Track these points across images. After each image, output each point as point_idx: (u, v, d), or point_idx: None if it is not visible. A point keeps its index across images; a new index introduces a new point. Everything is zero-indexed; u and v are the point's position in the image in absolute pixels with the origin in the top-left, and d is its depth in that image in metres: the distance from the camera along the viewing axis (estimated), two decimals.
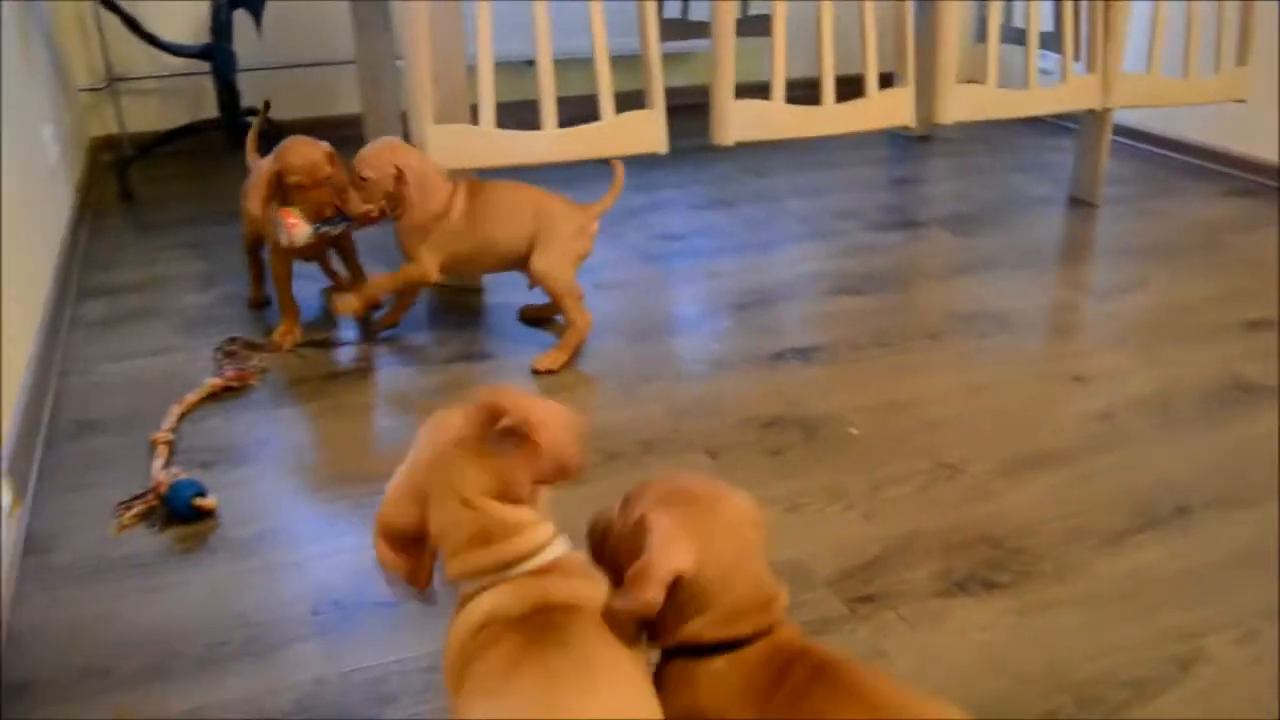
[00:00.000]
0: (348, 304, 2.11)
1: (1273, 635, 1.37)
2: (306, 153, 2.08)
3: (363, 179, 2.02)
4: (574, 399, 1.96)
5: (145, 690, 1.28)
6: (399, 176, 2.02)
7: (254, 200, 2.08)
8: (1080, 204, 3.15)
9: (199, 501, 1.61)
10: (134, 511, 1.61)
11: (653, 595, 0.92)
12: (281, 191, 2.07)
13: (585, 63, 2.29)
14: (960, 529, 1.59)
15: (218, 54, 3.12)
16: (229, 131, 3.22)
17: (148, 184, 3.25)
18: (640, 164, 3.41)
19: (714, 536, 0.96)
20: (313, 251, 2.21)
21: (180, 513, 1.60)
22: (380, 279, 2.14)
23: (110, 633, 1.37)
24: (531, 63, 2.35)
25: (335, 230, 2.10)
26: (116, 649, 1.35)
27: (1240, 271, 2.62)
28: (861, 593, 1.44)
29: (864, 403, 1.96)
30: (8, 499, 1.53)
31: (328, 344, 2.20)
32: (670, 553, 0.94)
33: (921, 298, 2.48)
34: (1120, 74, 2.85)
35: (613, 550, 1.01)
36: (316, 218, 2.07)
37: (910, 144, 3.83)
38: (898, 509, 1.64)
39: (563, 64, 2.29)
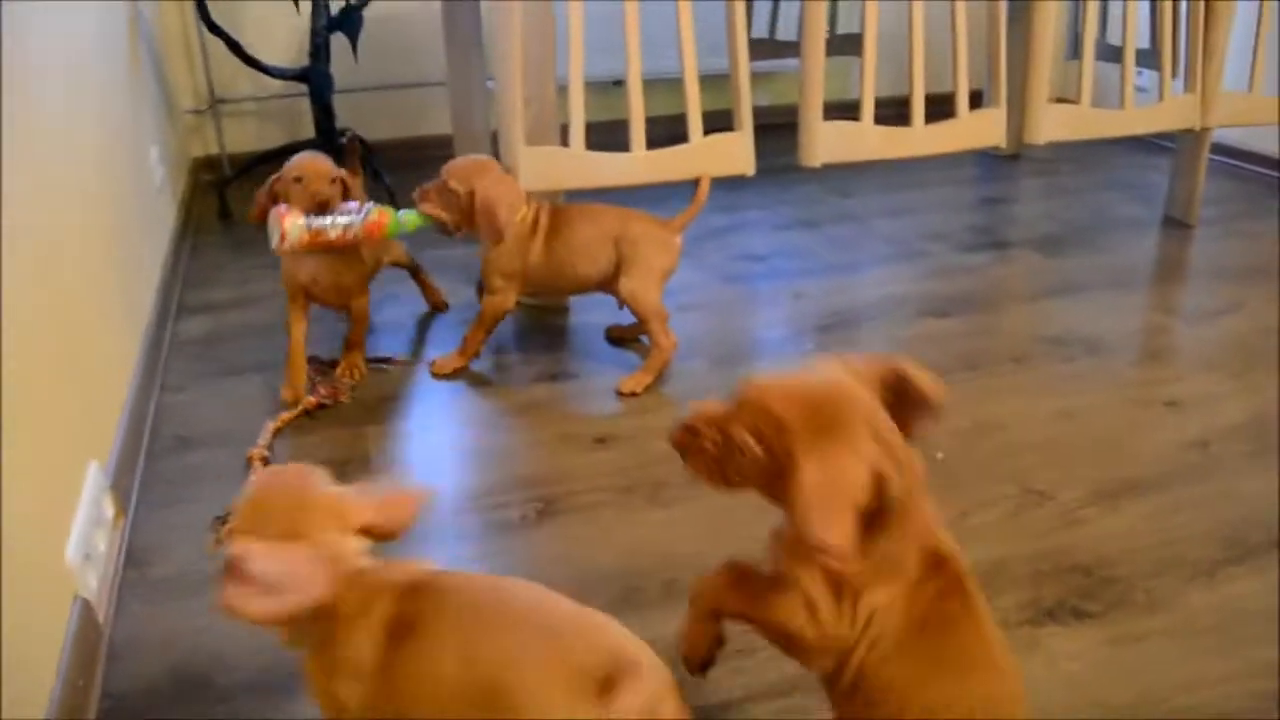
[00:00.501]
0: (446, 364, 2.16)
1: None
2: (312, 159, 2.11)
3: (448, 188, 2.07)
4: (657, 421, 1.97)
5: (243, 703, 1.32)
6: (471, 195, 2.05)
7: (254, 209, 2.12)
8: (1175, 224, 3.08)
9: None
10: (230, 526, 1.66)
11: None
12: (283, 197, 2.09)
13: (673, 82, 2.31)
14: (1049, 557, 1.57)
15: (315, 76, 3.21)
16: (324, 151, 3.30)
17: (246, 203, 3.34)
18: (725, 184, 3.41)
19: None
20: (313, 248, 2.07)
21: None
22: (473, 333, 2.17)
23: (209, 645, 1.42)
24: (620, 83, 2.38)
25: (333, 229, 2.02)
26: (215, 662, 1.39)
27: None
28: None
29: (951, 427, 1.94)
30: (111, 512, 1.60)
31: (418, 360, 2.25)
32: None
33: (1009, 320, 2.44)
34: (1220, 92, 2.78)
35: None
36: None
37: (1000, 163, 3.79)
38: (985, 536, 1.62)
39: (650, 83, 2.31)
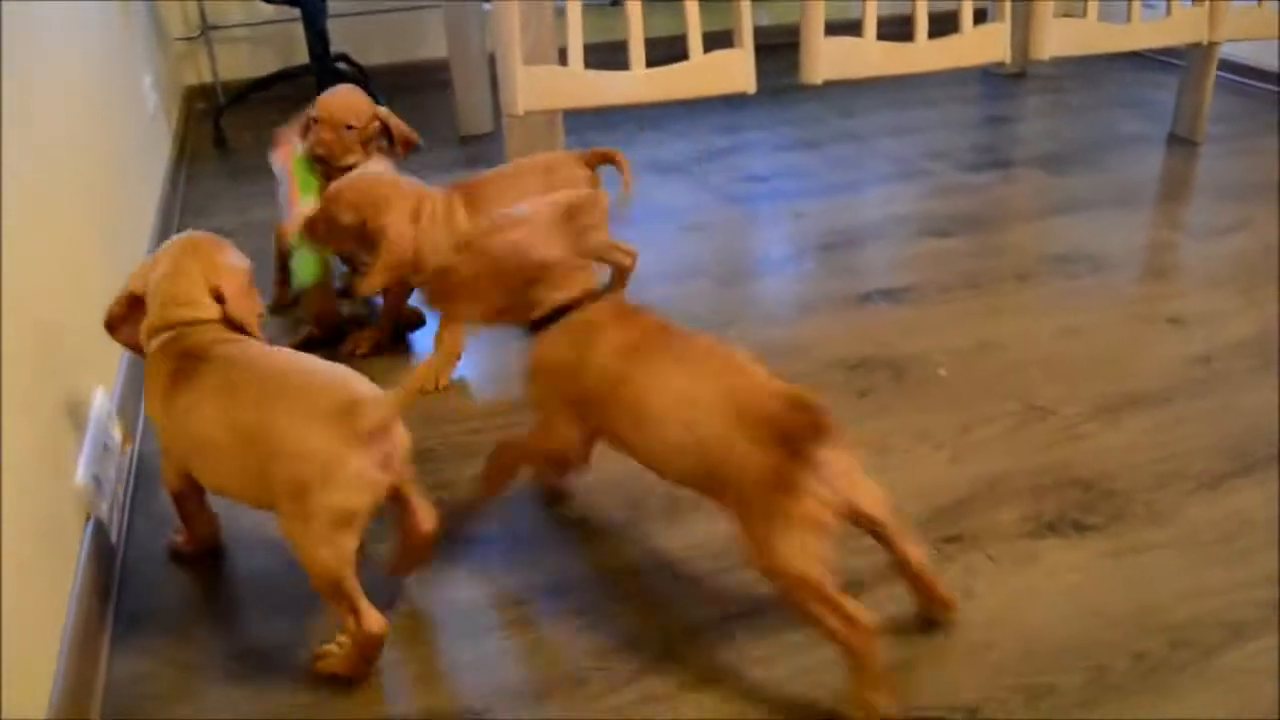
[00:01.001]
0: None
1: None
2: (340, 96, 1.94)
3: (337, 222, 1.79)
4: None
5: (251, 619, 1.34)
6: (365, 226, 1.78)
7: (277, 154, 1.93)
8: (1181, 142, 3.05)
9: None
10: None
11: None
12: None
13: (673, 3, 2.27)
14: (1050, 471, 1.57)
15: (308, 1, 3.15)
16: (320, 77, 3.26)
17: (241, 131, 3.32)
18: (726, 104, 3.39)
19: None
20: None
21: None
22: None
23: (219, 564, 1.44)
24: (619, 2, 2.34)
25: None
26: (226, 577, 1.41)
27: None
28: (949, 533, 1.44)
29: (953, 344, 1.94)
30: (119, 437, 1.60)
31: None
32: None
33: (1013, 239, 2.43)
34: (1228, 6, 2.73)
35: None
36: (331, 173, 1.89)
37: (1004, 81, 3.74)
38: (986, 450, 1.63)
39: (650, 4, 2.27)
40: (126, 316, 1.39)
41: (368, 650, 1.20)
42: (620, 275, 2.10)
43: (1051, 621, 1.29)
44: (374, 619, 1.19)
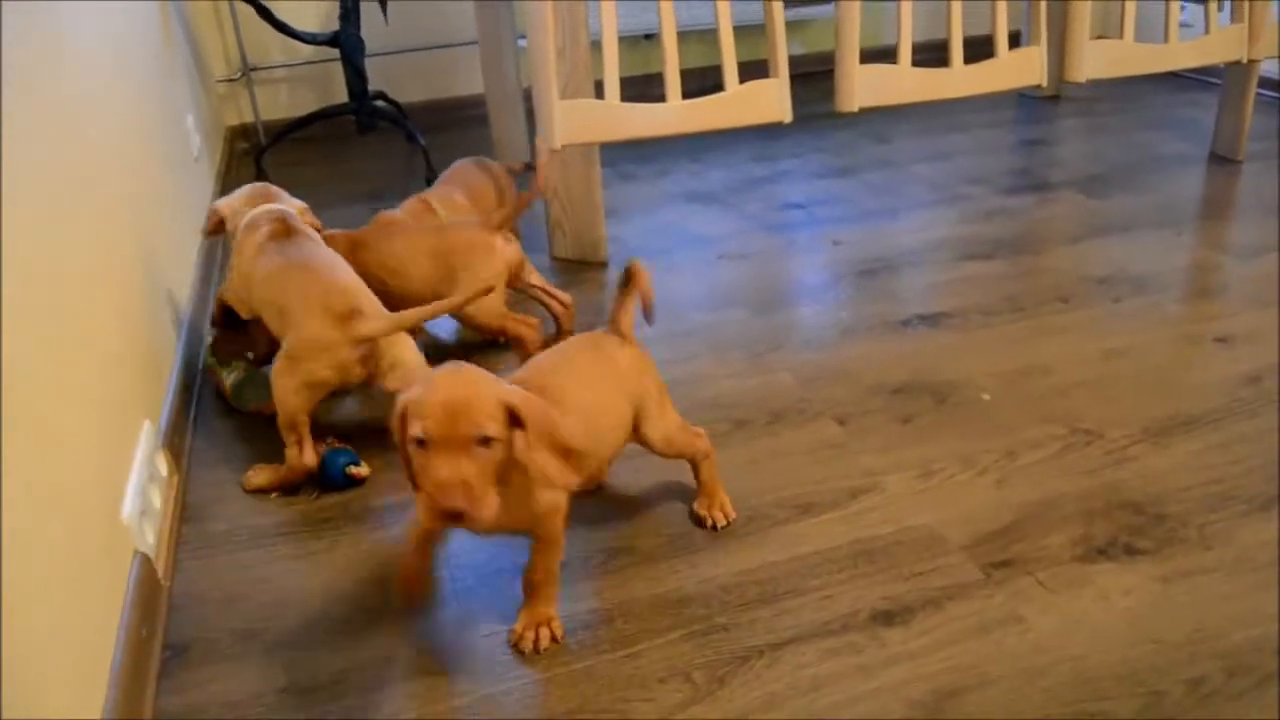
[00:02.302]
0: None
1: None
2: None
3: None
4: (700, 369, 1.97)
5: (297, 650, 1.34)
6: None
7: None
8: (1222, 161, 3.02)
9: (353, 470, 1.66)
10: (288, 481, 1.68)
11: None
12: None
13: (707, 33, 2.28)
14: (1099, 495, 1.55)
15: (346, 40, 3.21)
16: (358, 115, 3.31)
17: (281, 169, 3.37)
18: (762, 134, 3.40)
19: None
20: None
21: (335, 481, 1.66)
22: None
23: (263, 596, 1.44)
24: (651, 36, 2.36)
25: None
26: (270, 611, 1.41)
27: None
28: (998, 559, 1.42)
29: (996, 368, 1.93)
30: (165, 470, 1.62)
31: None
32: None
33: (1054, 261, 2.41)
34: (1268, 23, 2.71)
35: None
36: None
37: (1040, 105, 3.72)
38: (1033, 475, 1.61)
39: (685, 35, 2.28)
40: (215, 231, 1.92)
41: (293, 476, 1.65)
42: (557, 321, 2.11)
43: (1104, 647, 1.26)
44: (310, 456, 1.65)
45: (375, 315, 1.63)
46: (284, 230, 1.76)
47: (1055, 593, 1.35)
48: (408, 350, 1.69)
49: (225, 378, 1.95)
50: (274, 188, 1.95)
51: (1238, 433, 1.70)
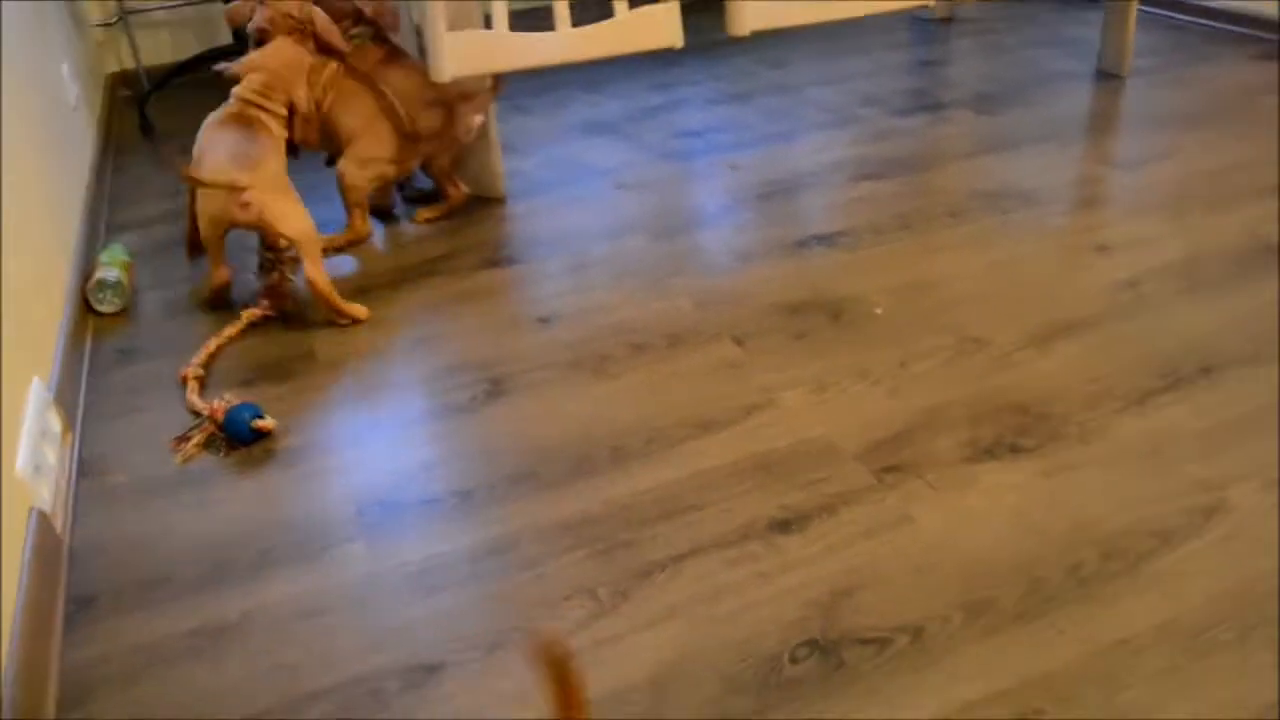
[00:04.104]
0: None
1: None
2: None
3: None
4: (600, 299, 1.98)
5: (203, 595, 1.34)
6: None
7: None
8: (1108, 77, 3.09)
9: (258, 423, 1.64)
10: (195, 441, 1.66)
11: None
12: None
13: None
14: (986, 399, 1.61)
15: None
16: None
17: (167, 116, 3.27)
18: (657, 63, 3.38)
19: None
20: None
21: (241, 437, 1.64)
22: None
23: (167, 544, 1.44)
24: None
25: None
26: (174, 559, 1.41)
27: (1270, 136, 2.58)
28: (889, 463, 1.47)
29: (888, 284, 1.97)
30: (58, 426, 1.59)
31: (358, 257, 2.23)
32: None
33: (945, 179, 2.46)
34: None
35: None
36: None
37: (933, 26, 3.76)
38: (923, 384, 1.66)
39: None
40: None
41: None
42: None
43: (990, 541, 1.32)
44: (223, 271, 2.04)
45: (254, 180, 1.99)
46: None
47: (943, 493, 1.41)
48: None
49: (99, 270, 2.06)
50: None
51: (1115, 334, 1.77)
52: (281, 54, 2.15)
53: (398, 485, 1.51)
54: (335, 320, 1.98)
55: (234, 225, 1.97)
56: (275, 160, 2.03)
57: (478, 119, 2.31)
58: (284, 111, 2.13)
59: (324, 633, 1.26)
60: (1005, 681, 1.12)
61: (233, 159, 1.97)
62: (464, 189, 2.43)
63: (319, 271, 1.96)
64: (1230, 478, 1.41)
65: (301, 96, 2.15)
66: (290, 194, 2.00)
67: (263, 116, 2.08)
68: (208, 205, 1.98)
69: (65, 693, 1.21)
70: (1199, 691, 1.10)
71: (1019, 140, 2.65)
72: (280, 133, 2.10)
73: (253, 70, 2.12)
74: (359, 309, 2.00)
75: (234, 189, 1.91)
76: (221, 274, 2.05)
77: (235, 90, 2.12)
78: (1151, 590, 1.23)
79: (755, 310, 1.91)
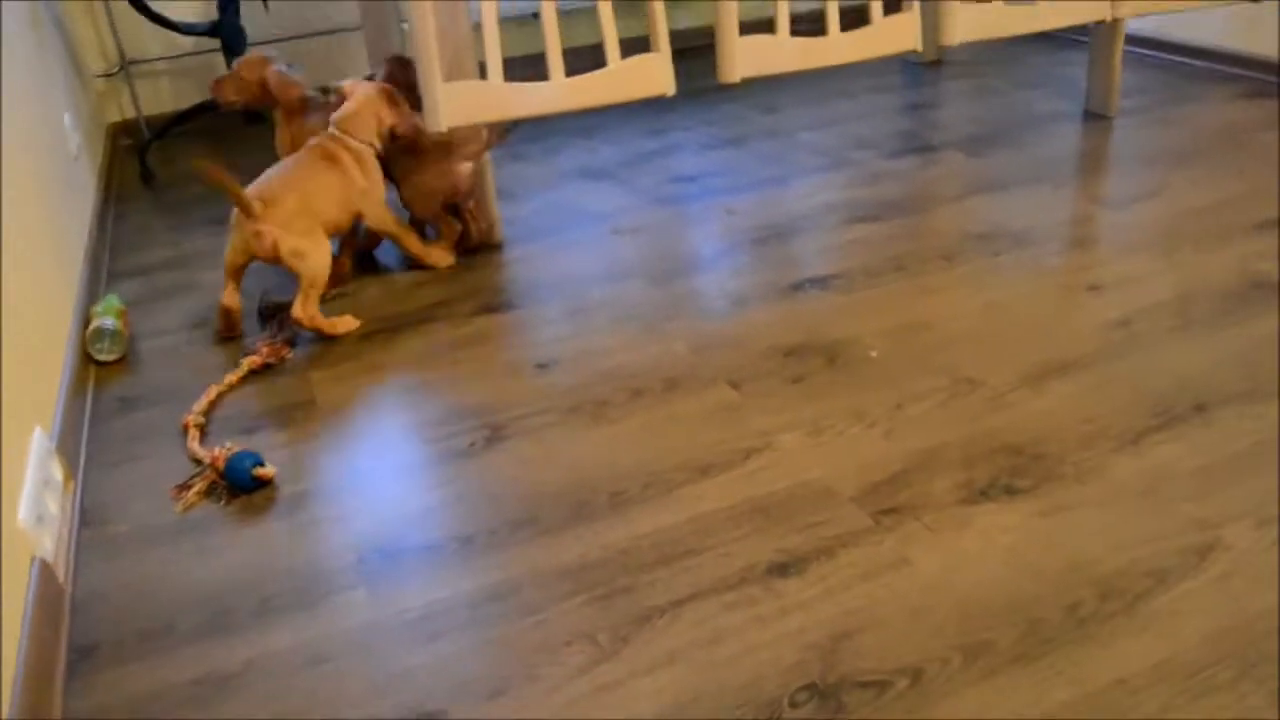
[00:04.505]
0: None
1: None
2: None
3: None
4: (597, 343, 2.00)
5: (205, 644, 1.34)
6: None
7: None
8: (1095, 117, 3.14)
9: (259, 471, 1.65)
10: (196, 489, 1.66)
11: None
12: None
13: (589, 13, 2.30)
14: (981, 440, 1.62)
15: (226, 30, 3.15)
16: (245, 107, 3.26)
17: (167, 165, 3.31)
18: (651, 109, 3.43)
19: None
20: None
21: (242, 484, 1.64)
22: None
23: (168, 593, 1.44)
24: (536, 15, 2.37)
25: None
26: (175, 608, 1.41)
27: (1257, 172, 2.61)
28: (885, 506, 1.48)
29: (883, 326, 1.99)
30: (60, 475, 1.60)
31: (355, 306, 2.25)
32: None
33: (937, 221, 2.49)
34: None
35: None
36: None
37: (922, 70, 3.81)
38: (919, 425, 1.67)
39: (571, 14, 2.30)
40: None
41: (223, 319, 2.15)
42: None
43: (987, 582, 1.33)
44: (234, 297, 2.13)
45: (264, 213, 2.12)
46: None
47: (940, 534, 1.42)
48: None
49: (96, 319, 2.09)
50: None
51: (1109, 373, 1.79)
52: (368, 94, 2.28)
53: (398, 532, 1.52)
54: (325, 335, 2.12)
55: (254, 256, 2.09)
56: (324, 196, 2.15)
57: (467, 166, 2.35)
58: (362, 148, 2.25)
59: (327, 680, 1.26)
60: None
61: (269, 186, 2.11)
62: (480, 224, 2.50)
63: (304, 310, 2.07)
64: (1226, 516, 1.42)
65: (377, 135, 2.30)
66: (315, 235, 2.09)
67: (338, 151, 2.22)
68: (237, 230, 2.10)
69: None
70: None
71: (1009, 181, 2.69)
72: (356, 172, 2.23)
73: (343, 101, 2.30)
74: (347, 320, 2.14)
75: (249, 215, 2.05)
76: (231, 299, 2.13)
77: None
78: (1148, 630, 1.24)
79: (751, 354, 1.93)
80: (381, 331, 2.13)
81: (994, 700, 1.15)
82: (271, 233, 2.05)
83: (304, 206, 2.09)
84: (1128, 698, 1.15)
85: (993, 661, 1.20)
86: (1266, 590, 1.29)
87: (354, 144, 2.22)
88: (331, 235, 2.18)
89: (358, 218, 2.25)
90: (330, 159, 2.19)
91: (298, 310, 2.06)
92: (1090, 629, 1.24)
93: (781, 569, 1.37)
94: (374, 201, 2.26)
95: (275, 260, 2.07)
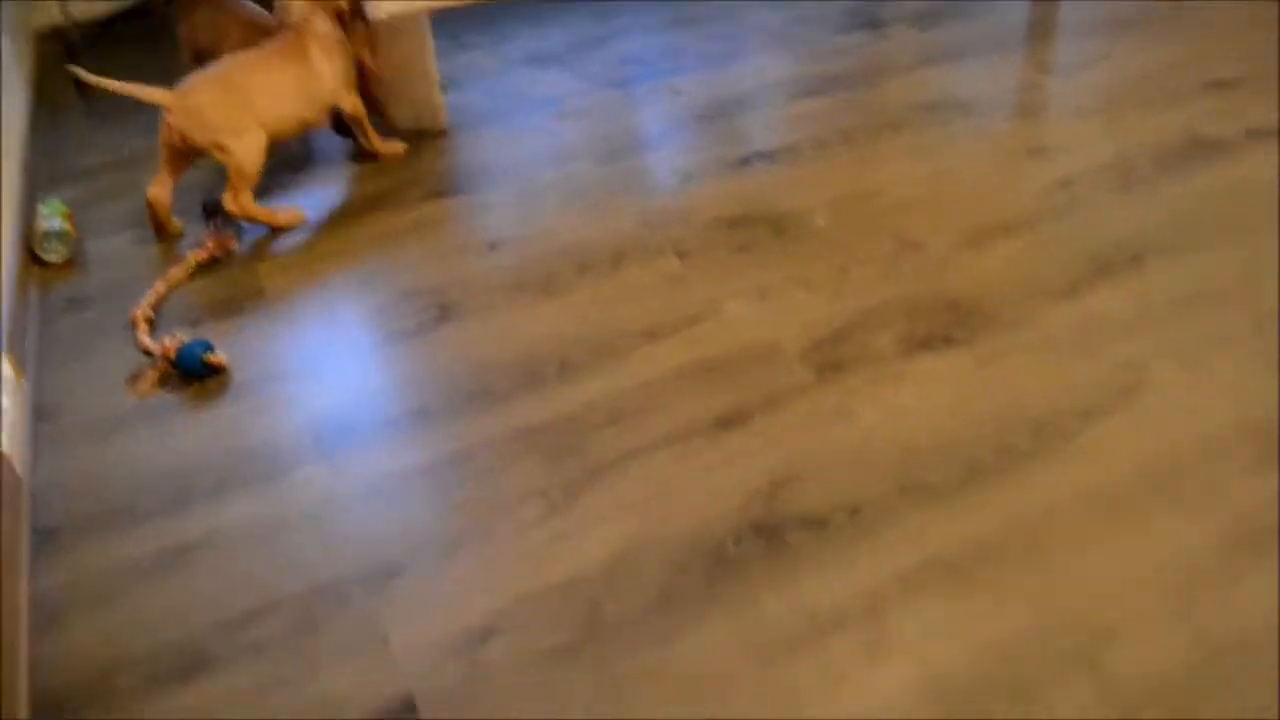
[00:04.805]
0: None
1: (1213, 360, 1.45)
2: None
3: None
4: (546, 224, 2.00)
5: (166, 520, 1.37)
6: None
7: None
8: None
9: (210, 358, 1.66)
10: (149, 379, 1.67)
11: None
12: None
13: None
14: (923, 298, 1.65)
15: None
16: (179, 6, 3.17)
17: (100, 71, 3.22)
18: None
19: None
20: None
21: (195, 372, 1.65)
22: None
23: (126, 477, 1.46)
24: None
25: None
26: (134, 490, 1.43)
27: (1203, 35, 2.62)
28: (829, 361, 1.51)
29: (830, 196, 2.01)
30: (9, 372, 1.60)
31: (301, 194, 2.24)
32: None
33: (886, 94, 2.49)
34: None
35: None
36: None
37: None
38: (863, 287, 1.70)
39: None
40: None
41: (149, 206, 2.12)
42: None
43: (925, 428, 1.37)
44: (160, 188, 2.10)
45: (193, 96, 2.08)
46: None
47: (881, 386, 1.46)
48: None
49: (42, 221, 2.07)
50: None
51: (1049, 232, 1.81)
52: None
53: (353, 410, 1.54)
54: (270, 227, 2.11)
55: (173, 147, 2.07)
56: (269, 92, 2.10)
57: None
58: (329, 35, 2.19)
59: (287, 546, 1.29)
60: (937, 549, 1.17)
61: (191, 80, 2.08)
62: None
63: (235, 202, 2.06)
64: (1153, 357, 1.46)
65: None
66: (241, 127, 2.05)
67: (306, 44, 2.16)
68: (161, 123, 2.09)
69: (36, 619, 1.25)
70: (1115, 549, 1.16)
71: (958, 53, 2.68)
72: (325, 65, 2.18)
73: None
74: (291, 212, 2.12)
75: (165, 109, 2.05)
76: (158, 190, 2.10)
77: None
78: (1076, 464, 1.29)
79: (698, 226, 1.94)
80: (328, 222, 2.12)
81: (928, 530, 1.20)
82: (179, 125, 2.02)
83: (226, 99, 2.04)
84: (1054, 522, 1.20)
85: (928, 497, 1.25)
86: (1190, 423, 1.33)
87: (322, 31, 2.16)
88: (300, 132, 2.17)
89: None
90: (294, 53, 2.13)
91: (229, 202, 2.05)
92: (1022, 465, 1.29)
93: (727, 422, 1.40)
94: (341, 90, 2.23)
95: (198, 152, 2.05)
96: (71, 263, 2.07)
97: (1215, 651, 1.08)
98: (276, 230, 2.09)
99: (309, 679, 1.13)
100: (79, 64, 3.13)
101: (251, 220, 2.09)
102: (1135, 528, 1.19)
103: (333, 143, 2.48)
